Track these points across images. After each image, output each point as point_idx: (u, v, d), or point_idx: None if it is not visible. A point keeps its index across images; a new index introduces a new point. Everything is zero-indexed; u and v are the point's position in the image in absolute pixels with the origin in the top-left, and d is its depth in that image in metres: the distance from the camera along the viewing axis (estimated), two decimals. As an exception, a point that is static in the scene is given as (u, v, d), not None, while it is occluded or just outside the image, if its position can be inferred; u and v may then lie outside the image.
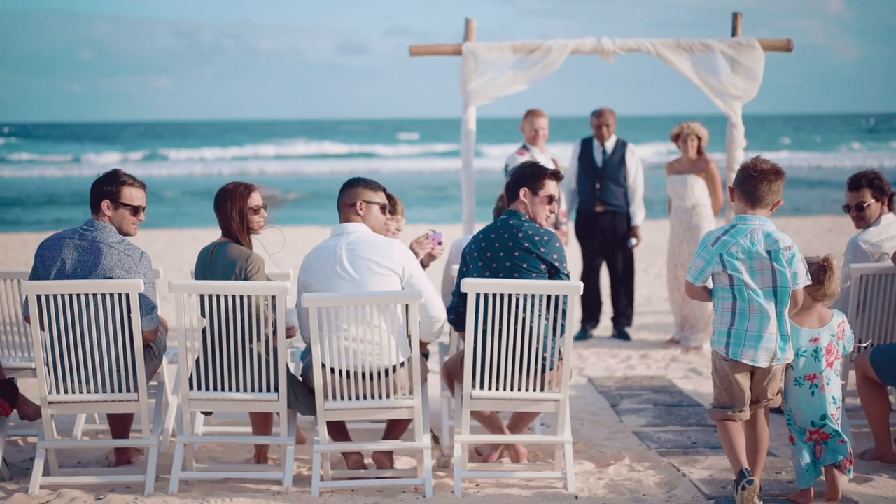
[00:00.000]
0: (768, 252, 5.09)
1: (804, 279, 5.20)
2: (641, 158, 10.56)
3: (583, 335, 10.30)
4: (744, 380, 5.21)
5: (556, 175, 6.05)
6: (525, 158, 9.29)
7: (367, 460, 6.14)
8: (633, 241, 10.19)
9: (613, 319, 10.42)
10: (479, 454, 6.37)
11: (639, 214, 10.19)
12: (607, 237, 10.23)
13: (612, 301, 10.42)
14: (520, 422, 6.21)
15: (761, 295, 5.12)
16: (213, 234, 6.33)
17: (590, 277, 10.34)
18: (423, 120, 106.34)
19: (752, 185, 5.18)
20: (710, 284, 5.31)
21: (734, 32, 9.57)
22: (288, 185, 35.70)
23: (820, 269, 5.34)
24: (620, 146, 10.19)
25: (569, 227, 10.08)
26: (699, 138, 9.75)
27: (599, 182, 10.13)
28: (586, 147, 10.22)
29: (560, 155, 10.25)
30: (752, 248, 5.09)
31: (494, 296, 5.57)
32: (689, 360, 9.27)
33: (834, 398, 5.33)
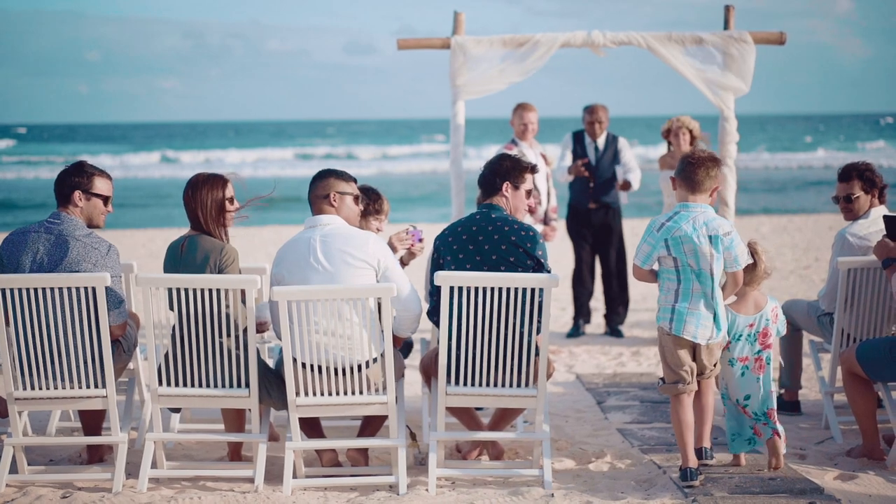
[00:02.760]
0: (709, 237, 5.42)
1: (745, 259, 5.53)
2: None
3: (575, 332, 10.18)
4: (686, 354, 5.52)
5: (534, 169, 5.97)
6: (514, 153, 9.17)
7: (342, 458, 6.03)
8: (621, 181, 9.92)
9: (606, 316, 10.30)
10: (459, 452, 6.26)
11: (634, 179, 9.95)
12: (599, 233, 10.10)
13: (605, 298, 10.30)
14: (501, 419, 6.09)
15: (702, 276, 5.43)
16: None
17: (582, 274, 10.22)
18: (429, 120, 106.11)
19: (692, 171, 5.50)
20: (655, 267, 5.58)
21: (726, 25, 9.44)
22: (300, 186, 35.62)
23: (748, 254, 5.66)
24: (612, 141, 10.06)
25: (558, 223, 9.92)
26: (690, 131, 9.63)
27: (593, 181, 9.99)
28: (578, 142, 10.07)
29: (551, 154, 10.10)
30: (694, 234, 5.41)
31: (469, 289, 5.46)
32: (681, 357, 9.13)
33: (769, 379, 5.71)
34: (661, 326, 5.53)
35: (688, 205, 5.49)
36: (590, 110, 10.06)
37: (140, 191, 34.84)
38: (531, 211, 9.24)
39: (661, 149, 10.48)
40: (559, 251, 13.84)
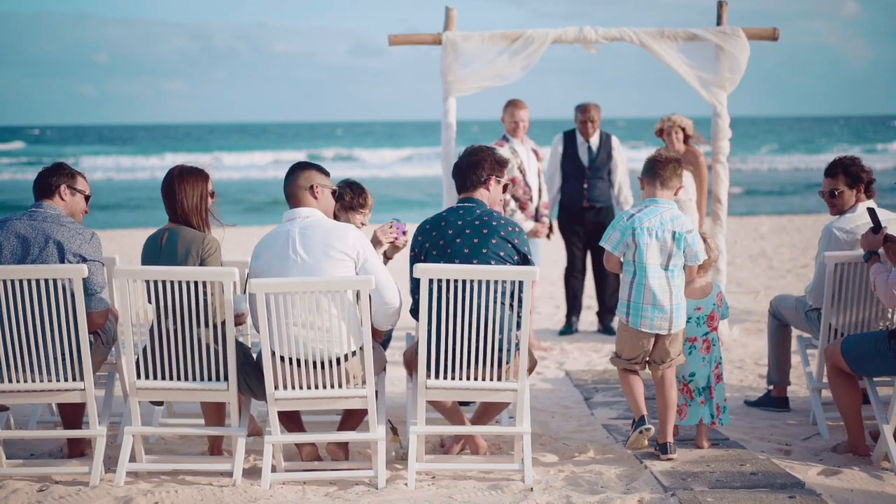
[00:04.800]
0: (673, 233, 5.72)
1: (703, 255, 5.84)
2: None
3: (568, 329, 10.14)
4: (646, 341, 5.79)
5: (508, 164, 6.10)
6: (505, 149, 9.14)
7: (323, 452, 5.99)
8: None
9: (599, 314, 10.25)
10: (443, 446, 6.22)
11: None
12: (592, 231, 10.04)
13: (597, 295, 10.25)
14: (484, 414, 6.05)
15: (659, 270, 5.71)
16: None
17: (574, 272, 10.17)
18: (437, 122, 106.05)
19: (660, 168, 5.84)
20: (622, 259, 5.85)
21: (719, 21, 9.41)
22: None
23: None
24: (605, 141, 9.97)
25: (550, 220, 9.84)
26: (683, 129, 9.50)
27: (587, 182, 9.92)
28: (570, 143, 9.98)
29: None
30: (660, 227, 5.71)
31: (448, 282, 5.43)
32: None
33: (717, 357, 6.06)
34: (620, 318, 5.85)
35: (656, 200, 5.82)
36: (582, 109, 9.95)
37: (143, 191, 34.90)
38: (522, 207, 9.20)
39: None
40: (552, 250, 13.79)
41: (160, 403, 5.86)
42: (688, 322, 5.95)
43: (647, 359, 5.85)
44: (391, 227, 6.34)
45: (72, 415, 5.93)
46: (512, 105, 9.34)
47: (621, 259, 5.81)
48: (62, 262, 5.48)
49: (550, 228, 9.66)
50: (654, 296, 5.69)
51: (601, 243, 5.87)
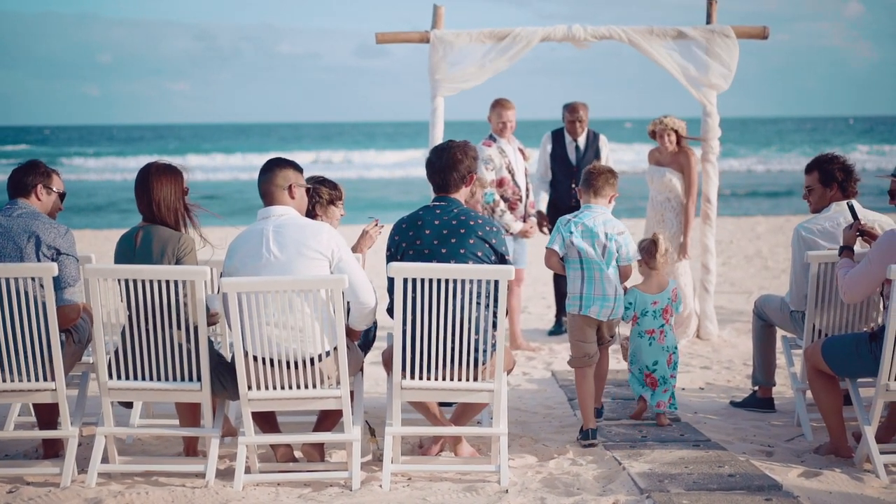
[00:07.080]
0: (605, 234, 6.20)
1: (635, 256, 6.35)
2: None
3: (557, 330, 10.08)
4: (591, 330, 6.30)
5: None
6: (493, 149, 9.08)
7: (298, 453, 5.93)
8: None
9: (589, 314, 10.17)
10: (421, 447, 6.16)
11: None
12: (582, 230, 9.96)
13: (588, 295, 10.16)
14: (462, 415, 6.00)
15: (601, 266, 6.19)
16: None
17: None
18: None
19: (593, 179, 6.33)
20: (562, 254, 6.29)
21: (709, 20, 9.35)
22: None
23: (651, 244, 6.64)
24: (593, 139, 9.90)
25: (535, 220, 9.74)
26: (676, 132, 9.38)
27: (575, 182, 9.85)
28: (558, 142, 9.90)
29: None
30: (594, 230, 6.20)
31: (423, 281, 5.37)
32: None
33: (671, 346, 6.61)
34: (570, 312, 6.27)
35: (591, 206, 6.31)
36: (570, 108, 9.87)
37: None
38: (512, 207, 9.13)
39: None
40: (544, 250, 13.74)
41: (129, 405, 5.82)
42: (644, 315, 6.58)
43: (595, 343, 6.32)
44: (375, 224, 6.36)
45: (47, 415, 5.87)
46: (499, 105, 9.26)
47: (561, 259, 6.26)
48: (38, 255, 5.46)
49: (542, 225, 9.65)
50: (603, 288, 6.19)
51: (547, 245, 6.32)
